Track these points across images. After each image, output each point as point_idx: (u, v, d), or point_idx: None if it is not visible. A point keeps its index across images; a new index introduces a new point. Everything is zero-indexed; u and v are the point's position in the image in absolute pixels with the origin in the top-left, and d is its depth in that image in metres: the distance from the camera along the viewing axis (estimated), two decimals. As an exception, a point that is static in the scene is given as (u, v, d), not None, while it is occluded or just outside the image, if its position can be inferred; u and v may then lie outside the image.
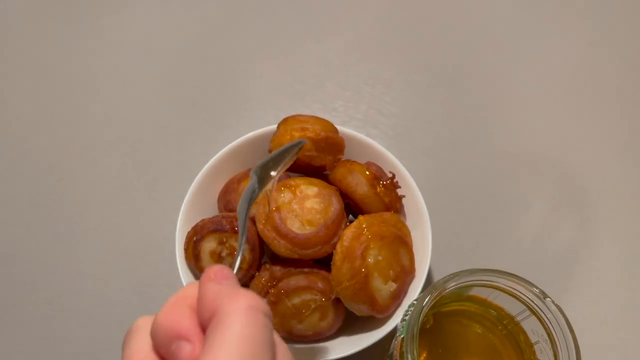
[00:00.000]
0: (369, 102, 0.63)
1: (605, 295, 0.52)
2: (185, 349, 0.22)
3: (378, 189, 0.44)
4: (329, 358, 0.41)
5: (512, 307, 0.40)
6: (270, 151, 0.47)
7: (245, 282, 0.44)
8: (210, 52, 0.67)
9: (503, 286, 0.38)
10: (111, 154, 0.60)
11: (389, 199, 0.44)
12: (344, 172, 0.45)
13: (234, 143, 0.49)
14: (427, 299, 0.36)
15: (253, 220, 0.44)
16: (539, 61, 0.66)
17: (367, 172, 0.44)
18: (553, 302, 0.35)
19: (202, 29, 0.69)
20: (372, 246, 0.41)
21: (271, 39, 0.68)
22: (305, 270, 0.42)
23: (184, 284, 0.44)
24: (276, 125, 0.48)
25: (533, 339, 0.40)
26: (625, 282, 0.53)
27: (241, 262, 0.41)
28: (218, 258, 0.42)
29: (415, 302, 0.38)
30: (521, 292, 0.37)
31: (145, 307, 0.52)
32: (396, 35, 0.68)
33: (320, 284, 0.41)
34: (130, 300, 0.52)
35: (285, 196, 0.42)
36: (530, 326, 0.39)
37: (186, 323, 0.23)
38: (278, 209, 0.41)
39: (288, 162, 0.34)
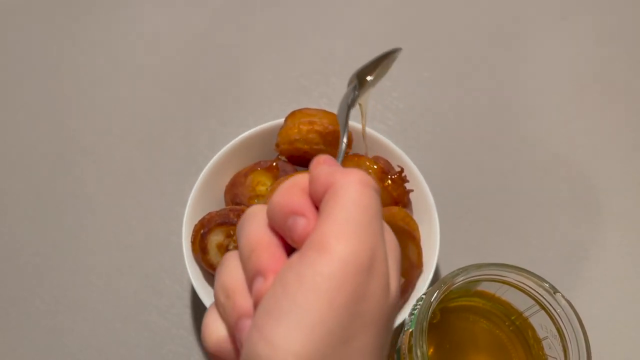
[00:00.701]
0: (376, 98, 0.62)
1: (614, 292, 0.52)
2: (301, 222, 0.23)
3: (386, 183, 0.44)
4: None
5: (520, 302, 0.40)
6: (277, 145, 0.47)
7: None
8: (216, 46, 0.67)
9: (512, 281, 0.38)
10: (117, 148, 0.60)
11: (397, 193, 0.44)
12: (351, 166, 0.45)
13: (241, 136, 0.49)
14: (436, 293, 0.36)
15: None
16: (547, 58, 0.66)
17: (375, 166, 0.44)
18: (563, 297, 0.35)
19: (209, 24, 0.68)
20: (380, 240, 0.40)
21: (277, 34, 0.68)
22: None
23: (191, 278, 0.44)
24: (283, 119, 0.48)
25: (541, 334, 0.39)
26: (634, 280, 0.52)
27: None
28: (225, 251, 0.42)
29: (423, 296, 0.38)
30: (531, 287, 0.37)
31: (151, 301, 0.52)
32: (403, 30, 0.68)
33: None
34: (136, 294, 0.52)
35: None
36: (539, 321, 0.39)
37: (300, 200, 0.24)
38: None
39: (384, 69, 0.35)
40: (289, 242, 0.24)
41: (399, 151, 0.48)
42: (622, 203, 0.56)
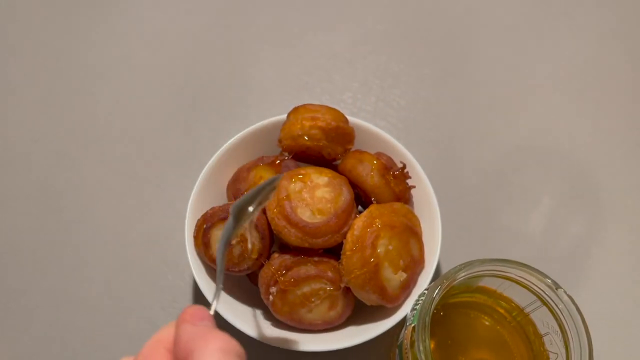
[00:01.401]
0: (377, 95, 0.63)
1: (614, 289, 0.52)
2: None
3: (388, 179, 0.44)
4: (338, 347, 0.41)
5: (522, 298, 0.40)
6: (279, 141, 0.47)
7: (255, 270, 0.44)
8: (218, 42, 0.67)
9: (514, 277, 0.38)
10: (119, 144, 0.60)
11: (399, 189, 0.44)
12: (354, 162, 0.45)
13: (244, 132, 0.49)
14: (438, 288, 0.36)
15: (263, 209, 0.44)
16: (548, 55, 0.66)
17: (377, 162, 0.44)
18: (565, 292, 0.35)
19: (211, 19, 0.68)
20: (382, 236, 0.41)
21: (280, 30, 0.68)
22: (315, 259, 0.42)
23: (194, 273, 0.44)
24: (286, 115, 0.48)
25: (542, 330, 0.40)
26: (635, 277, 0.53)
27: (251, 252, 0.41)
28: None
29: (425, 291, 0.38)
30: (533, 283, 0.37)
31: (153, 296, 0.52)
32: (405, 28, 0.68)
33: (329, 273, 0.41)
34: (138, 289, 0.52)
35: (296, 185, 0.42)
36: (540, 317, 0.39)
37: None
38: (288, 197, 0.41)
39: (264, 198, 0.33)
40: None
41: (401, 147, 0.48)
42: (624, 200, 0.56)
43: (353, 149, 0.48)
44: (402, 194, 0.45)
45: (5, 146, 0.60)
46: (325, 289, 0.41)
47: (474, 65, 0.65)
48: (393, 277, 0.41)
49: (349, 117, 0.48)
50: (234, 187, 0.47)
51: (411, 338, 0.36)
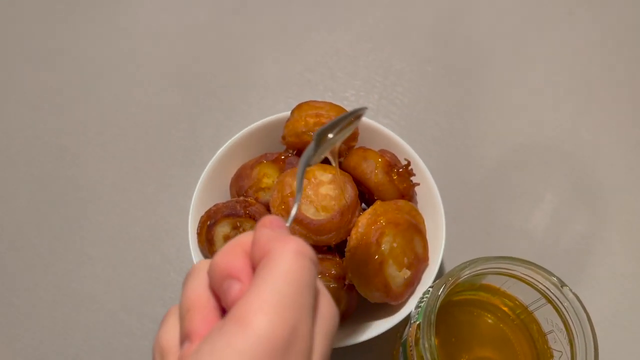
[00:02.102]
0: (380, 92, 0.62)
1: (617, 287, 0.52)
2: (235, 287, 0.23)
3: (393, 176, 0.44)
4: (342, 345, 0.41)
5: (526, 296, 0.40)
6: (283, 138, 0.47)
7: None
8: (222, 39, 0.66)
9: (519, 274, 0.38)
10: (122, 141, 0.60)
11: (403, 186, 0.44)
12: (358, 160, 0.45)
13: (247, 129, 0.48)
14: (443, 286, 0.36)
15: (267, 206, 0.44)
16: (551, 53, 0.66)
17: (382, 160, 0.44)
18: (571, 290, 0.35)
19: (214, 16, 0.68)
20: (386, 233, 0.40)
21: (283, 27, 0.67)
22: (319, 256, 0.42)
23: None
24: (289, 112, 0.48)
25: (546, 328, 0.39)
26: (638, 275, 0.52)
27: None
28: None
29: (430, 289, 0.38)
30: (538, 281, 0.37)
31: (155, 293, 0.52)
32: (408, 25, 0.68)
33: (333, 270, 0.41)
34: (141, 286, 0.52)
35: (300, 182, 0.42)
36: (544, 315, 0.39)
37: (238, 263, 0.24)
38: (293, 194, 0.41)
39: (346, 127, 0.34)
40: (224, 305, 0.24)
41: (404, 145, 0.48)
42: (626, 198, 0.56)
43: (357, 146, 0.47)
44: (406, 192, 0.45)
45: (7, 142, 0.60)
46: (329, 286, 0.41)
47: (477, 63, 0.65)
48: (397, 275, 0.41)
49: (352, 114, 0.48)
50: (237, 184, 0.47)
51: (416, 335, 0.36)
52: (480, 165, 0.58)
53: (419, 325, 0.36)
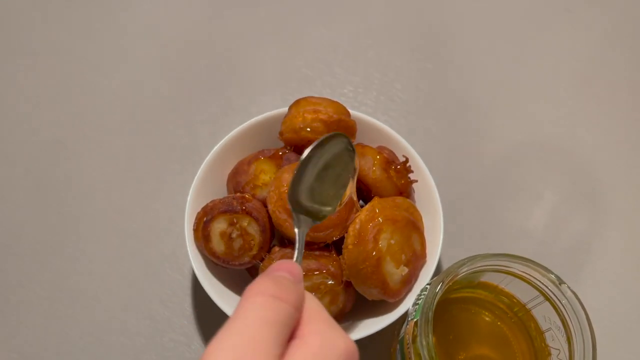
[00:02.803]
0: (379, 89, 0.62)
1: (616, 286, 0.52)
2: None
3: (391, 173, 0.43)
4: (339, 342, 0.40)
5: (524, 293, 0.40)
6: (281, 134, 0.47)
7: (255, 264, 0.44)
8: (219, 34, 0.66)
9: (517, 272, 0.38)
10: (119, 136, 0.59)
11: (401, 183, 0.44)
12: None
13: (245, 125, 0.48)
14: (441, 283, 0.35)
15: (264, 202, 0.43)
16: (551, 51, 0.65)
17: (380, 156, 0.44)
18: (569, 288, 0.35)
19: (211, 11, 0.68)
20: (384, 230, 0.40)
21: (281, 23, 0.67)
22: (316, 253, 0.41)
23: (193, 266, 0.43)
24: (287, 108, 0.48)
25: (544, 326, 0.39)
26: (636, 273, 0.52)
27: (252, 244, 0.41)
28: (228, 239, 0.42)
29: (427, 286, 0.38)
30: (536, 278, 0.37)
31: (152, 289, 0.51)
32: (407, 21, 0.67)
33: (331, 267, 0.41)
34: (137, 282, 0.52)
35: (297, 178, 0.42)
36: (542, 313, 0.39)
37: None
38: (290, 190, 0.41)
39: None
40: None
41: (403, 141, 0.47)
42: (625, 196, 0.56)
43: (355, 143, 0.47)
44: (404, 188, 0.44)
45: (3, 137, 0.59)
46: (327, 283, 0.41)
47: (476, 61, 0.64)
48: (395, 272, 0.41)
49: (350, 111, 0.47)
50: (235, 180, 0.47)
51: (413, 333, 0.36)
52: (478, 163, 0.58)
53: (416, 322, 0.36)
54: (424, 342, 0.33)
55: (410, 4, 0.69)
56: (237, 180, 0.46)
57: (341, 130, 0.45)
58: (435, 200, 0.46)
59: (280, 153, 0.46)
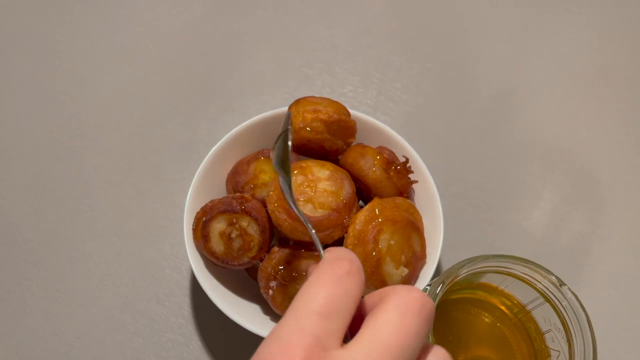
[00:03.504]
0: (379, 88, 0.62)
1: (615, 287, 0.52)
2: None
3: (391, 174, 0.43)
4: (338, 342, 0.40)
5: (524, 295, 0.40)
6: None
7: (254, 265, 0.43)
8: (218, 33, 0.66)
9: (518, 273, 0.37)
10: (117, 135, 0.59)
11: (402, 183, 0.44)
12: (355, 156, 0.44)
13: (244, 124, 0.48)
14: (441, 284, 0.35)
15: (264, 202, 0.43)
16: (550, 51, 0.65)
17: (380, 157, 0.44)
18: (570, 289, 0.35)
19: (211, 10, 0.67)
20: (384, 230, 0.40)
21: (280, 22, 0.67)
22: (316, 253, 0.41)
23: (192, 266, 0.43)
24: (286, 107, 0.47)
25: (544, 327, 0.39)
26: (636, 273, 0.52)
27: (252, 244, 0.41)
28: (227, 239, 0.42)
29: (428, 287, 0.38)
30: (536, 280, 0.37)
31: (150, 289, 0.51)
32: (408, 21, 0.67)
33: (330, 268, 0.41)
34: (135, 282, 0.51)
35: (297, 178, 0.42)
36: (542, 314, 0.39)
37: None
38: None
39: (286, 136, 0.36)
40: None
41: (403, 142, 0.47)
42: (625, 196, 0.56)
43: (355, 143, 0.47)
44: (404, 189, 0.44)
45: (2, 136, 0.59)
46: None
47: (476, 60, 0.64)
48: (395, 272, 0.41)
49: (350, 111, 0.47)
50: (234, 180, 0.46)
51: (413, 334, 0.36)
52: (478, 163, 0.58)
53: (416, 323, 0.35)
54: (424, 344, 0.33)
55: (411, 3, 0.68)
56: (237, 180, 0.46)
57: (341, 130, 0.45)
58: (435, 200, 0.45)
59: (280, 153, 0.46)
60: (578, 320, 0.34)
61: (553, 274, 0.35)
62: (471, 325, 0.43)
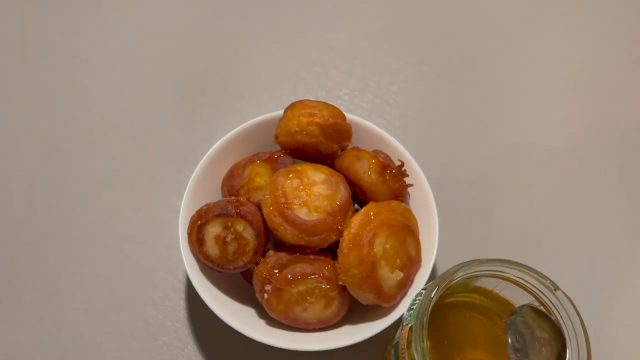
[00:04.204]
0: (375, 92, 0.62)
1: (610, 290, 0.52)
2: None
3: (386, 177, 0.43)
4: (333, 347, 0.40)
5: (519, 299, 0.40)
6: (276, 137, 0.47)
7: (250, 268, 0.43)
8: (214, 36, 0.66)
9: (513, 277, 0.37)
10: (113, 137, 0.59)
11: (397, 187, 0.44)
12: (351, 160, 0.45)
13: (240, 128, 0.48)
14: (436, 288, 0.35)
15: (259, 206, 0.43)
16: (546, 53, 0.65)
17: (375, 160, 0.44)
18: (564, 293, 0.35)
19: (207, 13, 0.68)
20: (379, 234, 0.40)
21: (277, 25, 0.67)
22: (311, 257, 0.41)
23: (187, 270, 0.43)
24: (282, 111, 0.47)
25: (539, 331, 0.39)
26: (630, 277, 0.52)
27: (247, 248, 0.41)
28: (223, 243, 0.41)
29: (422, 291, 0.38)
30: (531, 284, 0.37)
31: (146, 292, 0.51)
32: (404, 24, 0.67)
33: (326, 271, 0.41)
34: (130, 285, 0.51)
35: (292, 182, 0.42)
36: (537, 318, 0.39)
37: None
38: (285, 194, 0.41)
39: None
40: None
41: (398, 145, 0.47)
42: (620, 200, 0.56)
43: (350, 147, 0.47)
44: (400, 192, 0.44)
45: (-5, 138, 0.59)
46: (321, 287, 0.41)
47: (472, 64, 0.64)
48: (390, 276, 0.41)
49: (346, 114, 0.47)
50: (229, 183, 0.46)
51: (408, 338, 0.36)
52: (474, 167, 0.58)
53: (411, 327, 0.35)
54: (419, 347, 0.33)
55: (407, 7, 0.69)
56: (232, 183, 0.46)
57: (337, 133, 0.45)
58: (431, 204, 0.45)
59: (276, 156, 0.46)
60: (572, 324, 0.34)
61: (548, 279, 0.35)
62: (466, 328, 0.42)
